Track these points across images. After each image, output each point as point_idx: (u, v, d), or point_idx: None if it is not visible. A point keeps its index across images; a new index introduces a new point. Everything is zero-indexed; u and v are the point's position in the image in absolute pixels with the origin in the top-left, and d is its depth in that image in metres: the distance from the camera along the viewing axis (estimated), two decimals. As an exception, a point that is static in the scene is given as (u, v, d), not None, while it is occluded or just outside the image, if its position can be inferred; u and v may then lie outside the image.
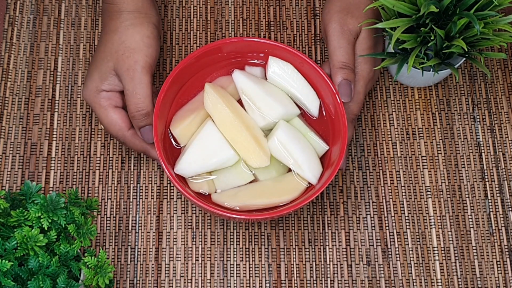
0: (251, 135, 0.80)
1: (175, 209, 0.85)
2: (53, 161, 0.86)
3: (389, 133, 0.89)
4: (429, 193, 0.86)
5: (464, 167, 0.87)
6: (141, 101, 0.79)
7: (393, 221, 0.85)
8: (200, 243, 0.84)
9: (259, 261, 0.84)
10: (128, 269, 0.83)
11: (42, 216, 0.69)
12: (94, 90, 0.81)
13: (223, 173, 0.80)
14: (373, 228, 0.85)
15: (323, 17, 0.83)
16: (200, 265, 0.83)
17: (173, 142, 0.83)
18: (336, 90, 0.80)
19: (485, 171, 0.87)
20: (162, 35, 0.92)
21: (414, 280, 0.83)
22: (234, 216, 0.76)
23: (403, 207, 0.86)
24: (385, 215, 0.85)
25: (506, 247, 0.85)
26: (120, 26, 0.81)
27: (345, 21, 0.81)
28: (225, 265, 0.83)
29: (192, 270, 0.83)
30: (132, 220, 0.85)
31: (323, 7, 0.88)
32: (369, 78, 0.82)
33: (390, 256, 0.84)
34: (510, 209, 0.86)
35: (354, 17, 0.81)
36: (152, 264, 0.83)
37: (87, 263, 0.70)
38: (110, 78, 0.80)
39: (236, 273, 0.83)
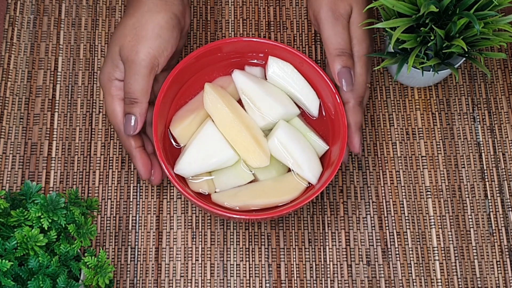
0: (251, 135, 0.80)
1: (175, 209, 0.85)
2: (53, 161, 0.86)
3: (389, 133, 0.89)
4: (429, 193, 0.86)
5: (464, 167, 0.87)
6: (132, 91, 0.77)
7: (393, 221, 0.85)
8: (200, 243, 0.84)
9: (259, 261, 0.84)
10: (128, 269, 0.83)
11: (42, 216, 0.69)
12: (107, 76, 0.79)
13: (223, 173, 0.80)
14: (373, 228, 0.85)
15: (311, 3, 0.81)
16: (200, 265, 0.83)
17: (173, 142, 0.83)
18: (336, 90, 0.80)
19: (485, 171, 0.87)
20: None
21: (414, 280, 0.83)
22: (234, 216, 0.76)
23: (403, 207, 0.86)
24: (385, 215, 0.85)
25: (506, 247, 0.85)
26: (137, 11, 0.79)
27: (336, 5, 0.80)
28: (225, 265, 0.83)
29: (192, 270, 0.83)
30: (132, 220, 0.85)
31: None
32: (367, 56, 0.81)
33: (390, 256, 0.84)
34: (510, 209, 0.86)
35: (345, 0, 0.80)
36: (152, 264, 0.83)
37: (87, 263, 0.70)
38: (121, 66, 0.79)
39: (236, 273, 0.83)
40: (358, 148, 0.81)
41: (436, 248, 0.84)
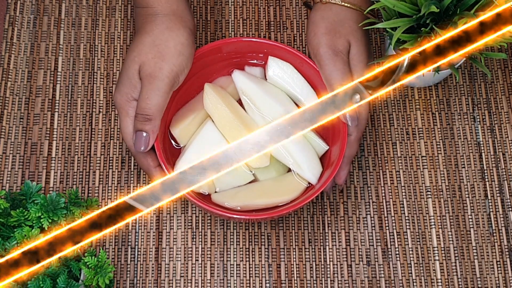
0: (251, 135, 0.80)
1: (175, 209, 0.85)
2: (53, 161, 0.86)
3: (389, 133, 0.89)
4: (429, 193, 0.86)
5: (464, 167, 0.88)
6: (148, 107, 0.76)
7: (393, 221, 0.85)
8: (200, 243, 0.84)
9: (259, 261, 0.84)
10: (128, 269, 0.83)
11: (42, 216, 0.69)
12: (125, 96, 0.78)
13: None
14: (373, 228, 0.85)
15: (310, 40, 0.80)
16: (200, 265, 0.83)
17: (173, 143, 0.83)
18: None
19: (485, 171, 0.87)
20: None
21: (414, 280, 0.83)
22: (234, 216, 0.76)
23: (403, 207, 0.86)
24: (385, 215, 0.85)
25: (506, 247, 0.85)
26: (155, 28, 0.78)
27: (334, 42, 0.79)
28: (225, 265, 0.83)
29: (192, 270, 0.83)
30: (132, 220, 0.85)
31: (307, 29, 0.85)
32: None
33: (390, 256, 0.84)
34: (510, 209, 0.86)
35: (342, 36, 0.79)
36: (152, 264, 0.83)
37: (87, 263, 0.70)
38: (138, 85, 0.78)
39: (236, 273, 0.83)
40: (342, 181, 0.81)
41: (436, 248, 0.84)
